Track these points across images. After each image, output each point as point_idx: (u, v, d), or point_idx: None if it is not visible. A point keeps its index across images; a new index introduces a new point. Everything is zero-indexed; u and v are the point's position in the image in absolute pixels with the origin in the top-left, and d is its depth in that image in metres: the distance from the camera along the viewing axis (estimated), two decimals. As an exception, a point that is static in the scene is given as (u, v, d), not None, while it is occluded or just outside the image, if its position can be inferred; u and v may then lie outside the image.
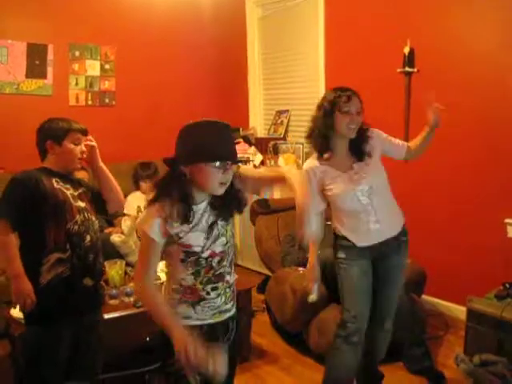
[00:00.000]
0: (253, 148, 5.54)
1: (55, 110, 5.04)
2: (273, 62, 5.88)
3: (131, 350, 3.45)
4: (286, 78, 5.71)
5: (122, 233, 4.34)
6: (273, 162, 5.17)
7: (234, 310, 2.11)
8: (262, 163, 5.31)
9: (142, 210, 4.98)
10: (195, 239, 1.93)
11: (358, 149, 2.77)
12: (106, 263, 3.48)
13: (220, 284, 2.01)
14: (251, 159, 5.35)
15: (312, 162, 2.81)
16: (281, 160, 5.16)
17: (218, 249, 1.98)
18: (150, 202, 1.94)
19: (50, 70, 5.04)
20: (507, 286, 3.47)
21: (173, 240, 1.91)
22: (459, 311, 3.91)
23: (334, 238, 2.89)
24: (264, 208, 4.57)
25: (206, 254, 1.95)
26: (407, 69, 4.19)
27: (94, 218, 2.62)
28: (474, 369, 3.20)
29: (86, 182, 2.87)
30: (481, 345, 3.30)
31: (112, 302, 3.20)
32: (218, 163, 1.88)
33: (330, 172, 2.75)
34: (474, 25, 3.89)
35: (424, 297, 4.05)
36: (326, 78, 5.07)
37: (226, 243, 2.01)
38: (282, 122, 5.72)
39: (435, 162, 4.13)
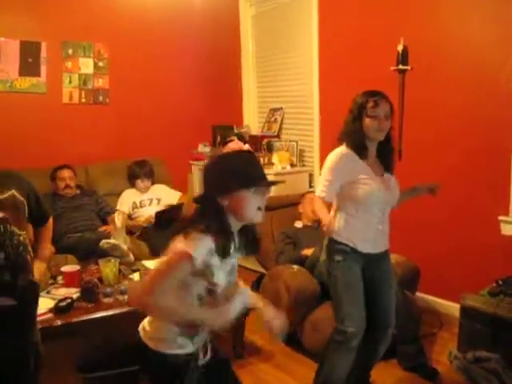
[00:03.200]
0: (247, 146, 5.53)
1: (49, 107, 5.08)
2: (266, 60, 5.88)
3: (125, 348, 3.46)
4: (280, 76, 5.71)
5: (115, 229, 4.32)
6: (267, 160, 5.16)
7: None
8: (256, 161, 5.31)
9: (138, 206, 4.99)
10: (222, 277, 1.90)
11: (387, 158, 2.86)
12: (99, 261, 3.49)
13: None
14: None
15: (347, 150, 2.78)
16: (275, 157, 5.17)
17: (230, 282, 1.97)
18: (195, 232, 1.83)
19: (43, 68, 5.02)
20: (500, 283, 3.48)
21: (202, 274, 1.85)
22: (453, 308, 3.92)
23: (328, 241, 2.86)
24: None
25: (221, 291, 1.92)
26: (401, 67, 4.20)
27: (17, 231, 2.27)
28: (467, 365, 3.21)
29: (22, 185, 2.44)
30: (474, 341, 3.31)
31: (106, 300, 3.19)
32: (255, 188, 1.89)
33: (366, 169, 2.76)
34: (467, 22, 3.90)
35: (418, 294, 4.06)
36: (320, 76, 5.08)
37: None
38: (275, 119, 5.72)
39: (429, 160, 4.14)
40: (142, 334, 2.03)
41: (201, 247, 1.80)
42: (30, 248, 2.32)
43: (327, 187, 2.74)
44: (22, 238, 2.26)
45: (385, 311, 2.89)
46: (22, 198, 2.35)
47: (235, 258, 1.98)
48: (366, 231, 2.79)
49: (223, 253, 1.85)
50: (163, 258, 1.85)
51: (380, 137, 2.75)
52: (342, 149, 2.79)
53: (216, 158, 1.99)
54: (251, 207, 1.90)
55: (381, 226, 2.80)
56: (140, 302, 1.84)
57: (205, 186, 1.96)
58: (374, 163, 2.81)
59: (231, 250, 1.90)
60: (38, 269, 2.60)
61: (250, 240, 2.02)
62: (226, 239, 1.86)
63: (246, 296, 1.98)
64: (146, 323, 2.03)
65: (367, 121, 2.71)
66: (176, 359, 1.94)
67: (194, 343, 1.97)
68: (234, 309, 1.88)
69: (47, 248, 2.82)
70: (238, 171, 1.90)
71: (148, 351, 1.98)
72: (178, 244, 1.81)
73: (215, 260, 1.85)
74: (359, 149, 2.75)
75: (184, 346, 1.95)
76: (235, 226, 1.94)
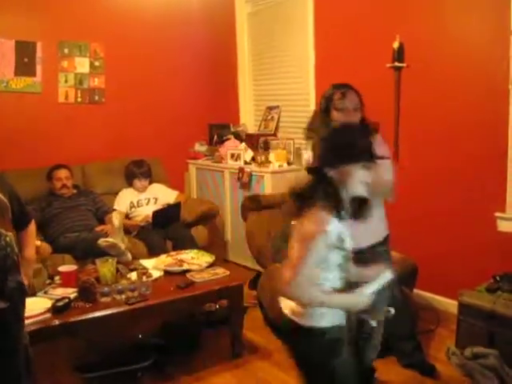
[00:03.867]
0: (243, 144, 5.53)
1: (44, 107, 5.07)
2: (263, 58, 5.88)
3: (123, 348, 3.46)
4: (276, 74, 5.71)
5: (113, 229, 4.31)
6: (264, 158, 5.16)
7: None
8: (253, 159, 5.31)
9: (135, 205, 4.99)
10: (349, 242, 1.98)
11: None
12: (97, 261, 3.49)
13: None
14: (242, 155, 5.35)
15: None
16: (272, 156, 5.16)
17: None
18: (316, 209, 1.94)
19: (38, 68, 5.01)
20: (498, 279, 3.49)
21: (335, 244, 1.93)
22: (450, 305, 3.93)
23: None
24: (255, 204, 4.57)
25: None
26: (397, 64, 4.19)
27: (3, 232, 2.24)
28: (465, 362, 3.21)
29: (4, 186, 2.44)
30: (472, 338, 3.31)
31: (104, 299, 3.19)
32: (361, 164, 1.95)
33: None
34: (464, 19, 3.90)
35: (416, 291, 4.07)
36: (316, 74, 5.07)
37: None
38: (272, 117, 5.72)
39: (425, 157, 4.14)
40: (289, 313, 2.07)
41: (330, 221, 1.91)
42: (16, 250, 2.29)
43: None
44: (8, 239, 2.23)
45: None
46: (5, 200, 2.33)
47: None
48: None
49: (353, 215, 2.00)
50: (295, 244, 1.95)
51: None
52: None
53: (330, 131, 2.11)
54: (355, 181, 1.96)
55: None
56: (285, 293, 1.97)
57: (318, 158, 2.06)
58: None
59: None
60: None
61: (359, 207, 2.05)
62: (339, 208, 1.95)
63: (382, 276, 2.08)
64: (291, 303, 2.05)
65: (334, 113, 2.68)
66: (333, 331, 2.01)
67: (345, 314, 2.06)
68: (371, 289, 2.00)
69: (30, 260, 2.71)
70: (346, 146, 1.97)
71: (302, 329, 2.02)
72: (308, 225, 1.92)
73: (341, 227, 1.94)
74: None
75: (337, 318, 2.03)
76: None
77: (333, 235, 1.90)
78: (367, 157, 1.97)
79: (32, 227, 2.67)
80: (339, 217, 1.94)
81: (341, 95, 2.66)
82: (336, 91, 2.69)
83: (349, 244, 1.98)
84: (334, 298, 1.98)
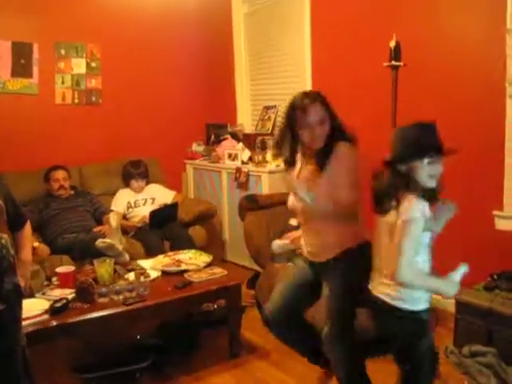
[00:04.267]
0: (241, 144, 5.53)
1: (41, 109, 5.07)
2: (259, 58, 5.87)
3: (121, 348, 3.46)
4: (273, 74, 5.70)
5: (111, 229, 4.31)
6: (261, 158, 5.16)
7: None
8: (250, 159, 5.31)
9: (133, 206, 4.99)
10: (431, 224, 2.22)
11: (322, 158, 2.61)
12: (94, 261, 3.49)
13: None
14: (239, 155, 5.35)
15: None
16: (269, 155, 5.16)
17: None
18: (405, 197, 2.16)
19: (35, 69, 5.01)
20: (495, 277, 3.49)
21: (426, 226, 2.16)
22: (448, 303, 3.92)
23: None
24: (253, 204, 4.57)
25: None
26: (393, 63, 4.19)
27: None
28: (463, 360, 3.22)
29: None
30: (470, 336, 3.32)
31: (101, 300, 3.19)
32: (428, 159, 2.14)
33: (293, 178, 2.77)
34: (460, 17, 3.90)
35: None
36: (313, 73, 5.07)
37: None
38: (269, 117, 5.71)
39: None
40: (388, 299, 2.26)
41: (420, 206, 2.12)
42: (12, 251, 2.29)
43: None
44: (3, 241, 2.22)
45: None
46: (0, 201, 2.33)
47: None
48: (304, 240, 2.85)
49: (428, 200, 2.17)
50: (399, 234, 2.13)
51: (318, 144, 2.58)
52: None
53: (402, 127, 2.29)
54: (423, 175, 2.16)
55: (311, 237, 2.80)
56: (399, 278, 2.13)
57: (392, 152, 2.24)
58: (307, 170, 2.70)
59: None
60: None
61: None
62: (424, 194, 2.16)
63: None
64: (388, 290, 2.26)
65: (300, 132, 2.58)
66: (426, 313, 2.30)
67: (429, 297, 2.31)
68: (459, 277, 2.27)
69: (27, 261, 2.70)
70: (414, 143, 2.18)
71: (402, 313, 2.25)
72: (410, 213, 2.12)
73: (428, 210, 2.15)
74: (288, 161, 2.77)
75: (427, 302, 2.30)
76: None
77: (427, 218, 2.13)
78: (432, 152, 2.15)
79: (28, 228, 2.66)
80: (426, 201, 2.15)
81: (301, 112, 2.53)
82: (296, 110, 2.56)
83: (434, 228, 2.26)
84: (435, 282, 2.24)
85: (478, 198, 3.90)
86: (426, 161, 2.15)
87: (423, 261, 2.23)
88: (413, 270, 2.14)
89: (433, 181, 2.19)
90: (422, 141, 2.18)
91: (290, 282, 2.93)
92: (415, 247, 2.14)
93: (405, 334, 2.29)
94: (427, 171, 2.16)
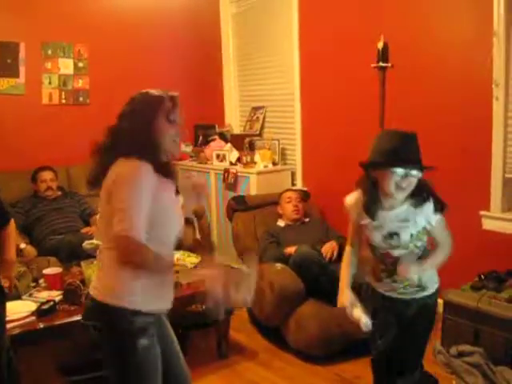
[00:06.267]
0: (229, 145, 5.53)
1: (28, 109, 5.03)
2: (248, 59, 5.88)
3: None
4: (262, 75, 5.71)
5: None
6: (249, 159, 5.16)
7: None
8: (239, 160, 5.30)
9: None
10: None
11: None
12: (82, 263, 3.47)
13: None
14: (227, 156, 5.34)
15: None
16: (257, 156, 5.16)
17: None
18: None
19: (22, 69, 4.97)
20: (482, 277, 3.51)
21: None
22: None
23: None
24: (241, 205, 4.57)
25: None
26: (381, 64, 4.20)
27: None
28: (451, 360, 3.24)
29: None
30: (457, 336, 3.34)
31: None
32: (396, 169, 2.10)
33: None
34: (448, 19, 3.91)
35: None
36: (301, 74, 5.08)
37: None
38: (257, 118, 5.72)
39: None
40: None
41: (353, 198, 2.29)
42: None
43: None
44: None
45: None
46: None
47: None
48: None
49: (367, 212, 2.22)
50: None
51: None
52: None
53: (386, 132, 2.31)
54: (390, 184, 2.13)
55: None
56: None
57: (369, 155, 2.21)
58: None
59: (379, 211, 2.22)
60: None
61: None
62: (370, 202, 2.21)
63: None
64: None
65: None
66: None
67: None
68: None
69: (11, 261, 2.68)
70: (380, 151, 2.15)
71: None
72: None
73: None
74: None
75: None
76: (387, 200, 2.23)
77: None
78: (395, 164, 2.10)
79: (11, 227, 2.63)
80: (366, 209, 2.22)
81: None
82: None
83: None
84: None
85: (466, 198, 3.91)
86: (391, 170, 2.11)
87: None
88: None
89: (402, 193, 2.18)
90: (390, 151, 2.13)
91: None
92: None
93: None
94: (394, 181, 2.13)
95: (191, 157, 5.88)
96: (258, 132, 5.64)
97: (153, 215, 1.91)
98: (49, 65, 5.17)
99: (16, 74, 4.96)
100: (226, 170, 5.21)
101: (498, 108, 3.68)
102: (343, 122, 4.67)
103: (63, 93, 5.27)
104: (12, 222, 2.65)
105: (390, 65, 4.16)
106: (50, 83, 5.18)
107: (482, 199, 3.82)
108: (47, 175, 4.68)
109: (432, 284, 2.49)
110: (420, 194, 2.27)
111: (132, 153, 1.97)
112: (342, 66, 4.59)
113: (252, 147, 5.40)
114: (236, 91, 6.10)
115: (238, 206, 4.57)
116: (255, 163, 5.14)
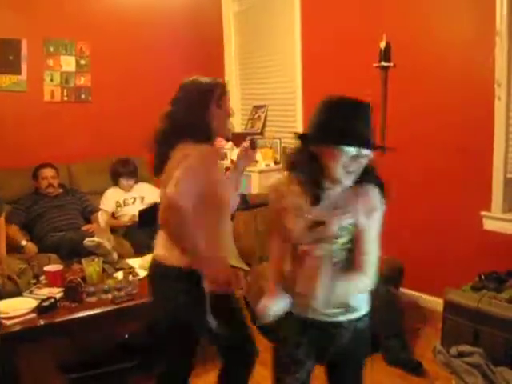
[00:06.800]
0: (230, 143, 5.52)
1: (30, 106, 5.03)
2: (249, 57, 5.87)
3: (109, 348, 3.44)
4: (263, 73, 5.71)
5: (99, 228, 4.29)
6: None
7: None
8: (240, 158, 5.29)
9: (122, 205, 4.96)
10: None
11: None
12: (83, 260, 3.47)
13: None
14: (228, 155, 5.34)
15: None
16: (259, 155, 5.16)
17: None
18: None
19: (24, 66, 4.97)
20: (483, 277, 3.51)
21: None
22: (436, 303, 3.95)
23: None
24: (242, 204, 4.57)
25: None
26: (383, 63, 4.20)
27: None
28: (451, 360, 3.24)
29: None
30: (457, 336, 3.34)
31: (90, 299, 3.17)
32: (347, 148, 1.74)
33: None
34: (450, 18, 3.91)
35: (402, 290, 4.08)
36: (303, 73, 5.08)
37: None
38: (259, 117, 5.72)
39: (412, 156, 4.16)
40: None
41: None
42: None
43: None
44: None
45: None
46: None
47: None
48: None
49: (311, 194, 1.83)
50: None
51: None
52: None
53: (322, 102, 1.82)
54: (337, 167, 1.77)
55: None
56: None
57: (307, 127, 1.87)
58: None
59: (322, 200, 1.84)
60: None
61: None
62: (311, 188, 1.83)
63: None
64: None
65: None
66: None
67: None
68: None
69: (1, 256, 2.67)
70: (326, 123, 1.79)
71: None
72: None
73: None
74: None
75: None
76: (327, 180, 1.83)
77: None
78: (351, 142, 1.74)
79: (1, 221, 2.62)
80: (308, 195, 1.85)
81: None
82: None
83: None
84: None
85: (466, 198, 3.92)
86: (343, 149, 1.74)
87: None
88: None
89: (348, 177, 1.80)
90: (344, 125, 1.76)
91: None
92: None
93: None
94: (344, 164, 1.76)
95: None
96: (259, 130, 5.64)
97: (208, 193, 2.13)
98: (51, 62, 5.16)
99: (18, 71, 4.96)
100: (227, 169, 5.20)
101: (500, 108, 3.68)
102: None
103: (65, 90, 5.27)
104: (3, 216, 2.63)
105: (392, 64, 4.17)
106: (51, 80, 5.18)
107: (482, 199, 3.82)
108: (48, 172, 4.68)
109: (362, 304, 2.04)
110: (365, 179, 1.86)
111: (193, 137, 2.20)
112: (344, 65, 4.59)
113: (253, 146, 5.39)
114: (238, 90, 6.11)
115: (239, 205, 4.56)
116: (257, 162, 5.14)
